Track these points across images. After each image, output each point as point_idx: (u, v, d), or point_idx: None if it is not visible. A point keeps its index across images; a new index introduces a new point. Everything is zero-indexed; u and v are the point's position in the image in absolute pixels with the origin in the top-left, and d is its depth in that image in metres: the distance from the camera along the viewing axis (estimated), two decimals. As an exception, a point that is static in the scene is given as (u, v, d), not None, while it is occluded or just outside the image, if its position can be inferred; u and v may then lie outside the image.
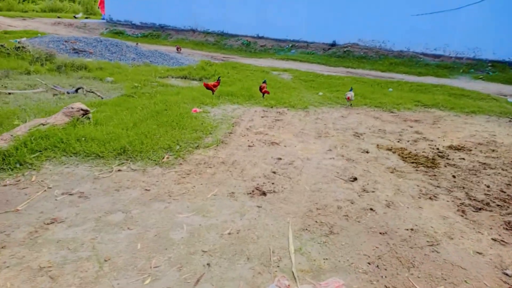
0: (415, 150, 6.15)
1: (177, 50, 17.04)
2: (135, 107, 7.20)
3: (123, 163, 4.72)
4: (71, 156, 4.78)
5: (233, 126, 6.60)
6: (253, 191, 4.21)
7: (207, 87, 8.59)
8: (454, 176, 5.12)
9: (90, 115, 6.15)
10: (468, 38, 16.14)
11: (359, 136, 6.65)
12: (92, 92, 8.74)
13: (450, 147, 6.44)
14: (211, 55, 17.64)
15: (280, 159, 5.26)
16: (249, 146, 5.71)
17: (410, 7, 16.69)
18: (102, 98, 8.46)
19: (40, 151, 4.73)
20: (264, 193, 4.17)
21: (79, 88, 8.86)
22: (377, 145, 6.24)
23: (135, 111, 6.89)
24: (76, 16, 29.92)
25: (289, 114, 7.80)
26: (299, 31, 19.22)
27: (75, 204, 3.76)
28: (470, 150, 6.32)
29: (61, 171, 4.40)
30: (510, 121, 8.64)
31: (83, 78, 10.71)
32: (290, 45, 19.10)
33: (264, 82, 8.94)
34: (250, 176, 4.61)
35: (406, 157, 5.76)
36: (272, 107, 8.27)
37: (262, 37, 20.28)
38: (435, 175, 5.12)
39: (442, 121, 8.22)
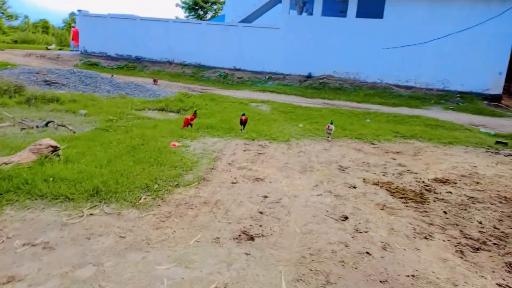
0: (402, 184, 5.98)
1: (154, 82, 16.76)
2: (109, 142, 6.77)
3: (95, 205, 4.26)
4: (36, 199, 4.28)
5: (214, 161, 6.26)
6: (239, 235, 3.84)
7: (187, 123, 8.28)
8: (445, 212, 4.92)
9: (60, 151, 5.67)
10: (437, 71, 16.71)
11: (344, 170, 6.44)
12: (63, 126, 8.23)
13: (435, 179, 6.31)
14: (189, 87, 17.44)
15: (266, 197, 4.94)
16: (232, 183, 5.37)
17: (382, 41, 17.23)
18: (74, 132, 7.98)
19: (1, 194, 4.22)
20: (252, 238, 3.80)
21: (49, 122, 8.34)
22: (364, 179, 6.04)
23: (110, 146, 6.46)
24: (49, 47, 29.31)
25: (271, 147, 7.55)
26: (275, 63, 19.41)
27: (38, 257, 3.27)
28: (455, 183, 6.21)
29: (23, 217, 3.90)
30: (487, 151, 8.71)
31: (54, 111, 10.18)
32: (267, 77, 19.21)
33: (243, 115, 8.70)
34: (235, 218, 4.25)
35: (394, 192, 5.56)
36: (253, 140, 8.01)
37: (239, 69, 20.35)
38: (426, 211, 4.92)
39: (423, 152, 8.18)
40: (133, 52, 23.19)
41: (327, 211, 4.66)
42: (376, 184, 5.86)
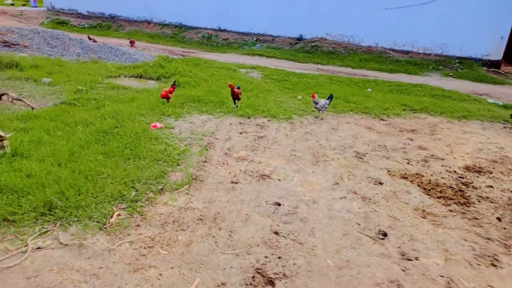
0: (432, 175, 4.90)
1: (131, 44, 14.86)
2: (75, 124, 5.36)
3: (46, 231, 2.99)
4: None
5: (206, 150, 4.98)
6: (253, 277, 2.68)
7: (164, 97, 6.81)
8: (499, 219, 3.90)
9: (5, 142, 4.27)
10: (435, 34, 15.41)
11: (362, 158, 5.29)
12: (20, 99, 6.71)
13: (467, 168, 5.27)
14: (169, 50, 15.64)
15: (279, 204, 3.76)
16: (232, 182, 4.15)
17: (378, 1, 15.68)
18: (32, 108, 6.48)
19: None
20: (271, 282, 2.65)
21: (2, 95, 6.78)
22: (388, 170, 4.92)
23: (75, 131, 5.07)
24: (6, 1, 26.06)
25: (271, 127, 6.29)
26: (263, 24, 17.63)
27: None
28: (491, 173, 5.18)
29: None
30: (504, 127, 7.72)
31: (12, 80, 8.55)
32: (255, 38, 17.49)
33: (238, 88, 7.33)
34: (243, 244, 3.07)
35: (429, 190, 4.48)
36: (249, 118, 6.72)
37: (224, 30, 18.47)
38: (476, 218, 3.87)
39: (439, 130, 7.10)
40: (107, 10, 20.76)
41: (359, 225, 3.54)
42: (404, 177, 4.76)
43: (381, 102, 8.77)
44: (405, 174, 4.87)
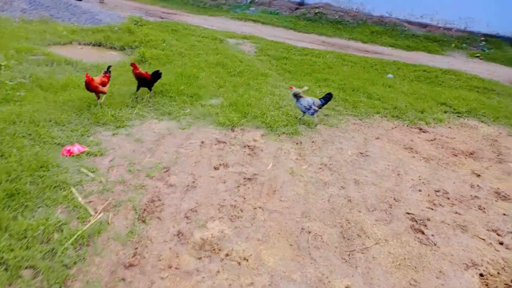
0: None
1: (99, -1, 11.74)
2: None
3: None
4: None
5: (144, 222, 2.51)
6: None
7: (90, 87, 4.04)
8: None
9: None
10: (458, 5, 12.59)
11: (423, 233, 2.89)
12: None
13: None
14: (146, 9, 12.54)
15: None
16: None
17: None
18: None
19: None
20: None
21: None
22: (480, 275, 2.55)
23: None
24: None
25: (266, 151, 3.78)
26: (260, -18, 14.47)
27: None
28: None
29: None
30: None
31: None
32: (249, 0, 14.38)
33: (158, 74, 4.66)
34: None
35: None
36: (233, 129, 4.19)
37: (214, -12, 15.23)
38: None
39: (505, 151, 4.71)
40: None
41: None
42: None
43: (412, 98, 6.27)
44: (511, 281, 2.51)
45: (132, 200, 2.69)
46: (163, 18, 10.98)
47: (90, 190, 2.73)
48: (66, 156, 3.11)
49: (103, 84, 4.10)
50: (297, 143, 4.11)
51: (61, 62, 6.11)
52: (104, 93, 4.15)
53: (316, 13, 13.06)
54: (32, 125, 3.43)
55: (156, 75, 4.61)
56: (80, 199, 2.58)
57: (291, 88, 4.57)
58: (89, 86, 3.95)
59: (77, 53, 6.91)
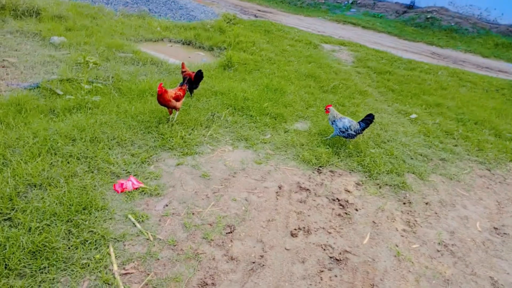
0: None
1: (198, -6, 11.60)
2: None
3: None
4: None
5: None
6: None
7: (162, 101, 3.40)
8: None
9: None
10: None
11: None
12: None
13: None
14: (242, 6, 12.06)
15: None
16: None
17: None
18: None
19: None
20: None
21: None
22: None
23: None
24: None
25: (362, 211, 2.78)
26: (365, -19, 13.00)
27: None
28: None
29: None
30: None
31: (15, 34, 6.03)
32: (351, 1, 13.03)
33: (188, 82, 3.84)
34: None
35: None
36: (320, 169, 3.27)
37: (313, -14, 14.18)
38: None
39: None
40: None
41: None
42: None
43: None
44: None
45: (179, 279, 1.97)
46: (257, 17, 10.36)
47: (131, 252, 2.09)
48: (118, 192, 2.54)
49: (178, 98, 3.49)
50: (404, 203, 3.02)
51: (146, 61, 5.78)
52: (177, 109, 3.55)
53: (427, 18, 11.22)
54: (91, 145, 2.95)
55: (198, 75, 4.17)
56: (115, 268, 1.95)
57: (329, 106, 3.59)
58: (161, 98, 3.37)
59: (164, 52, 6.58)
